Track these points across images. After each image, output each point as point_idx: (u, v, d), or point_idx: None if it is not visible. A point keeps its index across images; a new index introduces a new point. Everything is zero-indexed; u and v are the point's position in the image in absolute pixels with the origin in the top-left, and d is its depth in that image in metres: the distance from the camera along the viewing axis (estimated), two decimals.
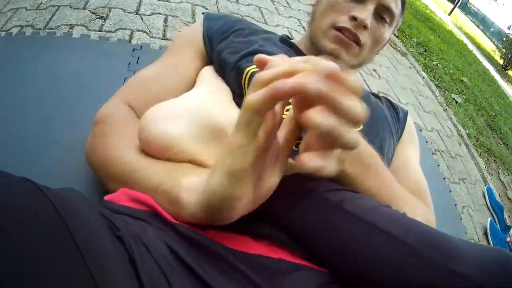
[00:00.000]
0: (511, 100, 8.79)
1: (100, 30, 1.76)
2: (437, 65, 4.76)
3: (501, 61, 16.34)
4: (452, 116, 3.54)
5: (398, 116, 0.98)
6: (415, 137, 1.01)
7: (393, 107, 1.00)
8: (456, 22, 16.25)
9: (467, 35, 15.25)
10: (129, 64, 1.34)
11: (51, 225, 0.31)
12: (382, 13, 0.87)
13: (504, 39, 17.90)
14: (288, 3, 3.20)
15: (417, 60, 4.32)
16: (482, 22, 34.52)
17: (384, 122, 0.88)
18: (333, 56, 0.85)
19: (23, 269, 0.27)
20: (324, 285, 0.51)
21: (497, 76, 11.08)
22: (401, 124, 0.98)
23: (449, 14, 16.92)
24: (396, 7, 0.88)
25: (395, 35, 4.66)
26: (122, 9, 2.04)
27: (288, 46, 0.92)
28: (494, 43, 24.98)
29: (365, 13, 0.82)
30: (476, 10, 36.46)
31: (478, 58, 9.87)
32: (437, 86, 4.01)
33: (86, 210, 0.38)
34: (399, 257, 0.47)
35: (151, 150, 0.57)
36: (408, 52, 4.33)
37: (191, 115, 0.57)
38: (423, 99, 3.34)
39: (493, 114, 5.18)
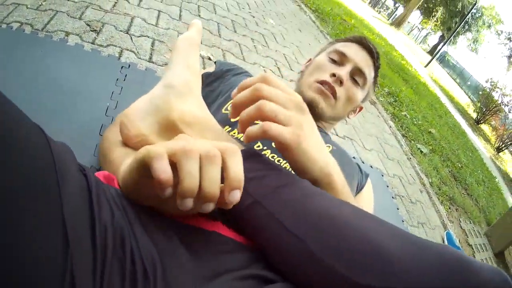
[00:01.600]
0: (480, 153, 9.29)
1: (92, 43, 1.93)
2: (405, 115, 5.12)
3: (474, 115, 17.13)
4: (416, 165, 3.85)
5: (361, 173, 1.19)
6: (371, 197, 1.20)
7: (358, 166, 1.20)
8: (432, 75, 17.05)
9: (441, 88, 15.99)
10: (117, 80, 1.47)
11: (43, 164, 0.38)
12: (356, 76, 1.12)
13: (481, 92, 18.77)
14: (266, 43, 3.53)
15: (386, 110, 4.67)
16: (460, 75, 35.87)
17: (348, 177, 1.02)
18: (313, 104, 1.07)
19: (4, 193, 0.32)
20: (253, 262, 0.55)
21: (468, 130, 11.62)
22: (362, 182, 1.17)
23: (426, 66, 17.76)
24: (369, 73, 1.15)
25: None
26: (115, 26, 2.24)
27: None
28: (469, 97, 26.09)
29: (343, 71, 1.08)
30: (455, 63, 38.04)
31: (449, 111, 10.40)
32: (403, 135, 4.35)
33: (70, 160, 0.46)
34: (301, 261, 0.50)
35: (130, 143, 0.67)
36: (378, 101, 4.68)
37: (152, 114, 0.65)
38: (388, 147, 3.64)
39: (459, 165, 5.55)
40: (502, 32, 22.55)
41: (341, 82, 1.08)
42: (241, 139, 0.80)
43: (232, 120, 0.88)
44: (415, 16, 46.87)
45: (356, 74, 1.13)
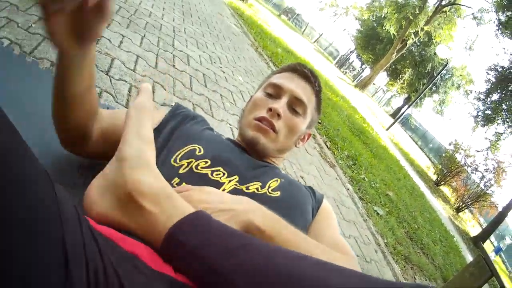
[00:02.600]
0: (438, 214, 9.80)
1: (30, 54, 2.06)
2: (364, 178, 5.52)
3: (434, 177, 17.88)
4: (372, 226, 4.20)
5: (315, 196, 1.16)
6: (331, 216, 1.16)
7: (311, 189, 1.19)
8: (392, 138, 17.82)
9: (401, 151, 16.71)
10: None
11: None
12: (295, 106, 1.15)
13: (443, 154, 19.45)
14: (234, 100, 3.84)
15: (344, 173, 5.06)
16: (422, 137, 36.82)
17: (299, 203, 1.06)
18: (253, 141, 1.10)
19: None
20: None
21: (427, 192, 12.22)
22: (317, 203, 1.14)
23: (387, 129, 18.57)
24: (308, 100, 1.18)
25: (327, 146, 5.44)
26: (96, 65, 2.43)
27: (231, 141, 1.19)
28: (430, 159, 27.07)
29: (279, 104, 1.11)
30: (418, 126, 39.30)
31: (409, 174, 10.94)
32: (360, 198, 4.72)
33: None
34: None
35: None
36: (337, 164, 5.07)
37: (110, 190, 0.71)
38: (344, 208, 3.98)
39: (416, 226, 5.95)
40: (471, 91, 23.74)
41: (278, 115, 1.11)
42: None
43: (181, 171, 0.94)
44: (381, 78, 47.03)
45: (294, 103, 1.16)
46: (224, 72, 4.51)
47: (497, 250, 18.87)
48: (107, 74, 2.44)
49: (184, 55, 3.89)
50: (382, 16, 30.55)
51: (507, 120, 20.31)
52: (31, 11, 2.50)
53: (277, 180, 1.04)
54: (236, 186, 0.95)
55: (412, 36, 26.98)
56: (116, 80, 2.46)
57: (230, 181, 0.95)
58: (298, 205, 1.03)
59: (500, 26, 19.91)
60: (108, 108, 1.67)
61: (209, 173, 0.95)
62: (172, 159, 0.97)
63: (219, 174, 0.96)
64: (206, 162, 0.97)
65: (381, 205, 5.20)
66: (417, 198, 8.48)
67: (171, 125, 1.13)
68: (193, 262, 0.60)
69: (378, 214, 4.74)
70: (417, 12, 26.31)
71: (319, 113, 1.31)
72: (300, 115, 1.17)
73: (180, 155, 0.99)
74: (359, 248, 3.45)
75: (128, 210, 0.68)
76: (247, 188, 0.96)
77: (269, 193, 0.98)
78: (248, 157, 1.10)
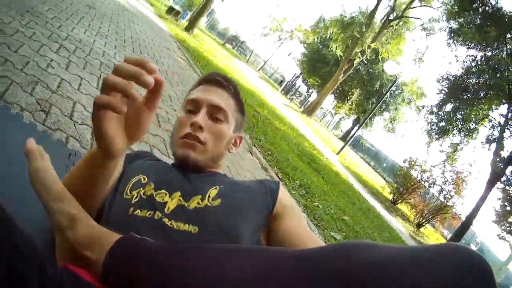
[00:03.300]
0: (397, 232, 10.07)
1: (43, 124, 2.21)
2: (318, 206, 5.65)
3: (390, 196, 18.33)
4: None
5: (266, 190, 1.18)
6: (290, 205, 1.19)
7: (261, 182, 1.22)
8: (344, 162, 18.19)
9: (354, 173, 17.08)
10: (67, 167, 1.53)
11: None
12: (215, 114, 1.21)
13: (398, 172, 19.93)
14: None
15: (298, 202, 5.17)
16: (375, 157, 37.69)
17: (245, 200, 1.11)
18: (184, 158, 1.16)
19: None
20: None
21: (384, 212, 12.52)
22: (272, 194, 1.17)
23: (338, 153, 18.95)
24: (226, 105, 1.23)
25: (278, 177, 5.55)
26: (60, 109, 2.55)
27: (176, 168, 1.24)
28: (385, 179, 27.70)
29: (198, 117, 1.16)
30: (369, 146, 39.98)
31: (363, 197, 11.23)
32: (316, 225, 4.84)
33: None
34: None
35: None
36: (290, 193, 5.16)
37: (64, 247, 0.86)
38: None
39: None
40: (423, 107, 24.02)
41: (200, 127, 1.16)
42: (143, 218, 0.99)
43: (133, 201, 1.03)
44: (329, 101, 47.15)
45: (214, 112, 1.21)
46: (175, 110, 4.65)
47: None
48: (70, 119, 2.57)
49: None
50: (328, 37, 30.49)
51: (463, 129, 20.74)
52: None
53: (216, 188, 1.08)
54: (179, 202, 1.01)
55: (359, 55, 26.95)
56: (79, 124, 2.58)
57: (172, 198, 1.02)
58: (242, 207, 1.06)
59: (452, 34, 20.41)
60: (75, 154, 1.75)
61: (154, 195, 1.03)
62: (124, 193, 1.07)
63: (162, 195, 1.03)
64: (151, 186, 1.06)
65: (337, 230, 5.31)
66: (373, 219, 8.69)
67: (124, 168, 1.23)
68: (129, 275, 0.71)
69: (335, 239, 4.86)
70: (364, 29, 26.17)
71: (243, 114, 1.36)
72: (222, 121, 1.22)
73: (129, 188, 1.08)
74: None
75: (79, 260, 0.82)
76: (189, 205, 1.01)
77: (210, 203, 1.02)
78: (188, 174, 1.14)
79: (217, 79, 1.27)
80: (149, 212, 0.97)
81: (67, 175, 0.99)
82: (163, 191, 1.04)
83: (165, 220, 0.95)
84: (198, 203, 1.02)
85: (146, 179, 1.10)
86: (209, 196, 1.04)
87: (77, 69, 3.57)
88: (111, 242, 0.78)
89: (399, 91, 37.67)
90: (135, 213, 0.98)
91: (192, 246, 0.74)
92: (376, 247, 0.55)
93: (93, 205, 1.01)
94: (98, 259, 0.77)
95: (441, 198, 18.31)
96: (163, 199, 1.01)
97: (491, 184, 16.04)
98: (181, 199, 1.02)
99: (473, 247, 20.71)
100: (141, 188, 1.06)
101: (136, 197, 1.04)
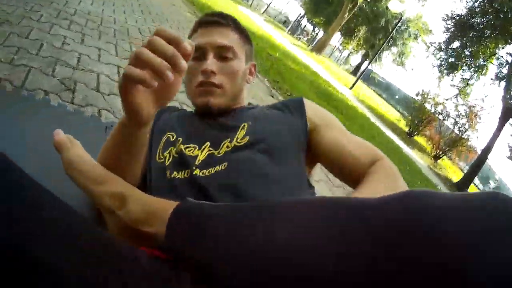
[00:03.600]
0: (417, 164, 10.17)
1: (72, 102, 2.19)
2: None
3: (406, 129, 18.34)
4: None
5: (289, 109, 1.18)
6: (323, 115, 1.18)
7: (285, 105, 1.22)
8: (358, 96, 18.07)
9: (369, 107, 17.02)
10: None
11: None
12: (222, 53, 1.16)
13: (412, 105, 19.99)
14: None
15: None
16: (387, 90, 37.65)
17: (270, 119, 1.13)
18: (206, 106, 1.14)
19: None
20: None
21: (402, 145, 12.64)
22: (297, 112, 1.17)
23: (351, 88, 18.82)
24: (230, 40, 1.18)
25: None
26: (85, 84, 2.53)
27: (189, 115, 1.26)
28: (399, 111, 27.60)
29: (207, 63, 1.12)
30: (381, 80, 39.86)
31: (381, 130, 11.31)
32: None
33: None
34: None
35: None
36: None
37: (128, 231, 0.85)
38: (332, 176, 4.12)
39: None
40: (431, 43, 23.31)
41: (212, 72, 1.13)
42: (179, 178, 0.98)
43: (167, 163, 1.04)
44: (336, 38, 45.95)
45: (220, 52, 1.17)
46: None
47: None
48: (98, 92, 2.53)
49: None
50: None
51: (472, 65, 20.32)
52: (8, 42, 2.56)
53: (243, 126, 1.07)
54: (209, 152, 1.01)
55: None
56: (107, 95, 2.55)
57: (202, 150, 1.01)
58: (271, 136, 1.04)
59: None
60: (112, 126, 1.65)
61: (184, 150, 1.02)
62: (157, 156, 1.07)
63: (192, 149, 1.03)
64: (179, 142, 1.06)
65: None
66: (394, 152, 8.78)
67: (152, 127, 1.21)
68: (191, 248, 0.67)
69: None
70: None
71: (250, 42, 1.31)
72: (231, 59, 1.18)
73: (161, 150, 1.08)
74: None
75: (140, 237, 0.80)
76: (219, 153, 1.00)
77: (238, 143, 1.02)
78: (213, 120, 1.14)
79: (213, 19, 1.21)
80: (184, 171, 0.97)
81: (102, 150, 0.99)
82: (192, 145, 1.04)
83: (196, 171, 0.95)
84: (227, 146, 1.02)
85: (175, 135, 1.10)
86: (237, 138, 1.03)
87: (93, 40, 3.59)
88: (167, 211, 0.74)
89: (405, 27, 36.85)
90: (172, 175, 0.98)
91: (247, 207, 0.68)
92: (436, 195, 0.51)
93: (134, 175, 1.00)
94: (158, 232, 0.75)
95: (456, 131, 18.37)
96: (193, 153, 1.02)
97: (503, 119, 15.87)
98: (211, 149, 1.01)
99: (492, 183, 20.88)
100: (172, 147, 1.06)
101: (169, 158, 1.04)
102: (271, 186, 0.92)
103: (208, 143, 1.03)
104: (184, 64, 0.67)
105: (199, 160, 0.99)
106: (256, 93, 5.21)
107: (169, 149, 1.06)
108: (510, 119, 16.11)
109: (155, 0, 8.56)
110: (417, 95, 20.35)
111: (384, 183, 0.93)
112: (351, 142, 1.08)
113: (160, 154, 1.07)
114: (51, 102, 1.73)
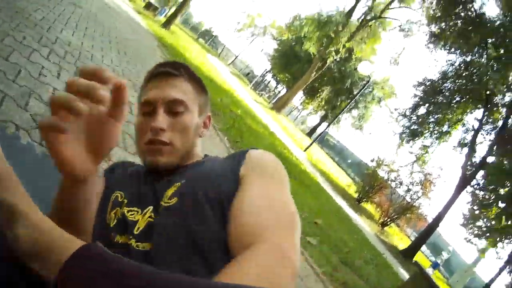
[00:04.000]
0: (364, 233, 10.46)
1: (41, 144, 2.13)
2: None
3: (356, 195, 18.78)
4: (308, 258, 4.55)
5: (234, 160, 1.05)
6: (262, 164, 1.00)
7: (232, 156, 1.11)
8: (311, 159, 18.47)
9: (321, 172, 17.47)
10: None
11: None
12: (174, 108, 1.08)
13: (365, 171, 20.42)
14: None
15: None
16: (340, 154, 38.45)
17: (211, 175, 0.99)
18: (154, 165, 1.05)
19: None
20: None
21: (350, 211, 12.97)
22: (236, 160, 1.03)
23: (305, 150, 19.23)
24: (183, 93, 1.10)
25: None
26: None
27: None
28: (350, 176, 28.24)
29: (156, 120, 1.04)
30: (335, 143, 40.55)
31: (331, 196, 11.65)
32: None
33: None
34: None
35: None
36: None
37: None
38: None
39: (347, 250, 6.44)
40: (396, 109, 23.37)
41: (161, 129, 1.05)
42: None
43: (111, 225, 0.96)
44: (297, 96, 47.45)
45: (172, 106, 1.09)
46: None
47: (435, 265, 19.56)
48: None
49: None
50: (303, 36, 29.31)
51: (434, 132, 20.62)
52: None
53: (176, 185, 0.97)
54: (149, 219, 0.92)
55: (333, 54, 26.22)
56: None
57: (144, 214, 0.94)
58: (201, 200, 0.90)
59: (433, 38, 20.19)
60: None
61: (126, 214, 0.96)
62: (107, 216, 1.00)
63: (133, 213, 0.96)
64: (125, 203, 1.00)
65: (313, 234, 5.60)
66: (343, 220, 9.08)
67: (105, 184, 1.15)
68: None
69: (311, 244, 5.11)
70: (340, 29, 25.49)
71: (204, 92, 1.22)
72: (183, 113, 1.10)
73: (109, 209, 1.02)
74: (300, 280, 3.80)
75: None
76: (151, 217, 0.93)
77: (165, 203, 0.93)
78: (160, 180, 1.05)
79: (164, 71, 1.13)
80: (124, 236, 0.91)
81: (52, 203, 0.92)
82: (135, 208, 0.97)
83: (132, 242, 0.88)
84: (157, 210, 0.94)
85: (123, 195, 1.04)
86: (166, 196, 0.95)
87: (69, 75, 3.60)
88: (67, 251, 0.60)
89: (370, 89, 37.31)
90: (115, 239, 0.93)
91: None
92: None
93: (83, 230, 0.93)
94: (45, 273, 0.62)
95: (408, 198, 18.77)
96: (135, 217, 0.95)
97: (461, 187, 16.22)
98: (153, 214, 0.93)
99: (445, 255, 21.27)
100: (119, 208, 1.00)
101: (114, 220, 0.98)
102: (192, 257, 0.81)
103: (150, 208, 0.95)
104: (102, 94, 0.64)
105: (138, 228, 0.91)
106: (214, 153, 5.36)
107: (116, 209, 1.01)
108: (467, 186, 16.42)
109: (132, 41, 8.90)
110: (372, 161, 20.78)
111: (261, 271, 0.68)
112: (263, 200, 0.86)
113: (108, 214, 1.01)
114: (21, 140, 1.74)
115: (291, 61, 38.26)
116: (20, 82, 2.76)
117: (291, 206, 0.87)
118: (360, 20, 27.20)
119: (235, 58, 51.53)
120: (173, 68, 1.13)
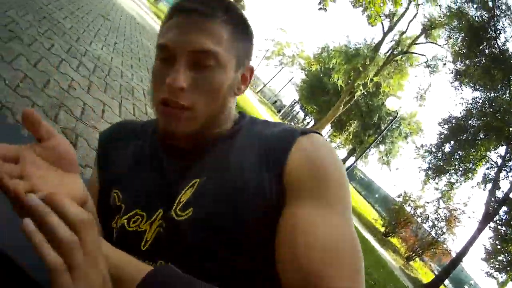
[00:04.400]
0: (389, 266, 10.86)
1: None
2: None
3: (383, 229, 18.91)
4: None
5: (276, 151, 0.79)
6: (317, 179, 0.74)
7: (276, 138, 0.83)
8: None
9: None
10: None
11: None
12: (200, 60, 0.80)
13: (392, 206, 20.22)
14: None
15: None
16: (367, 188, 38.12)
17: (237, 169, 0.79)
18: (167, 133, 0.84)
19: None
20: None
21: (377, 245, 13.22)
22: (281, 158, 0.77)
23: None
24: (215, 42, 0.80)
25: None
26: (87, 141, 2.40)
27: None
28: (376, 209, 28.09)
29: (175, 75, 0.77)
30: (363, 177, 40.02)
31: (359, 229, 11.92)
32: None
33: None
34: None
35: None
36: None
37: None
38: None
39: (373, 283, 6.81)
40: (422, 146, 22.99)
41: (181, 89, 0.78)
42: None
43: (114, 238, 0.84)
44: (325, 129, 46.82)
45: (197, 58, 0.80)
46: None
47: None
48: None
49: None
50: (330, 67, 28.81)
51: (459, 169, 20.28)
52: (16, 64, 2.60)
53: (192, 184, 0.80)
54: (160, 228, 0.78)
55: (361, 87, 25.45)
56: None
57: (152, 222, 0.79)
58: (222, 226, 0.74)
59: (458, 76, 19.97)
60: None
61: (126, 226, 0.81)
62: (107, 225, 0.86)
63: (137, 219, 0.80)
64: (122, 209, 0.84)
65: None
66: (370, 253, 9.33)
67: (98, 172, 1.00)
68: None
69: None
70: (368, 62, 24.89)
71: (248, 37, 0.92)
72: (212, 68, 0.81)
73: (109, 218, 0.87)
74: None
75: None
76: (161, 225, 0.79)
77: (177, 216, 0.77)
78: (172, 162, 0.87)
79: (194, 7, 0.82)
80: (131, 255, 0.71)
81: None
82: (139, 211, 0.81)
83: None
84: (165, 219, 0.79)
85: (120, 196, 0.87)
86: (178, 203, 0.78)
87: (99, 92, 3.57)
88: (136, 278, 0.58)
89: (397, 125, 36.19)
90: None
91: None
92: None
93: None
94: None
95: (433, 233, 18.73)
96: (140, 227, 0.80)
97: (484, 223, 16.18)
98: (163, 222, 0.78)
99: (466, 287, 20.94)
100: (118, 216, 0.84)
101: (115, 233, 0.84)
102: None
103: (160, 213, 0.79)
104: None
105: (146, 242, 0.78)
106: None
107: (115, 218, 0.85)
108: (491, 222, 16.38)
109: None
110: (398, 196, 20.78)
111: None
112: (327, 235, 0.68)
113: (111, 225, 0.85)
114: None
115: (318, 93, 37.76)
116: (49, 93, 2.65)
117: (357, 244, 0.71)
118: (387, 54, 26.94)
119: (264, 86, 51.35)
120: (206, 6, 0.82)
